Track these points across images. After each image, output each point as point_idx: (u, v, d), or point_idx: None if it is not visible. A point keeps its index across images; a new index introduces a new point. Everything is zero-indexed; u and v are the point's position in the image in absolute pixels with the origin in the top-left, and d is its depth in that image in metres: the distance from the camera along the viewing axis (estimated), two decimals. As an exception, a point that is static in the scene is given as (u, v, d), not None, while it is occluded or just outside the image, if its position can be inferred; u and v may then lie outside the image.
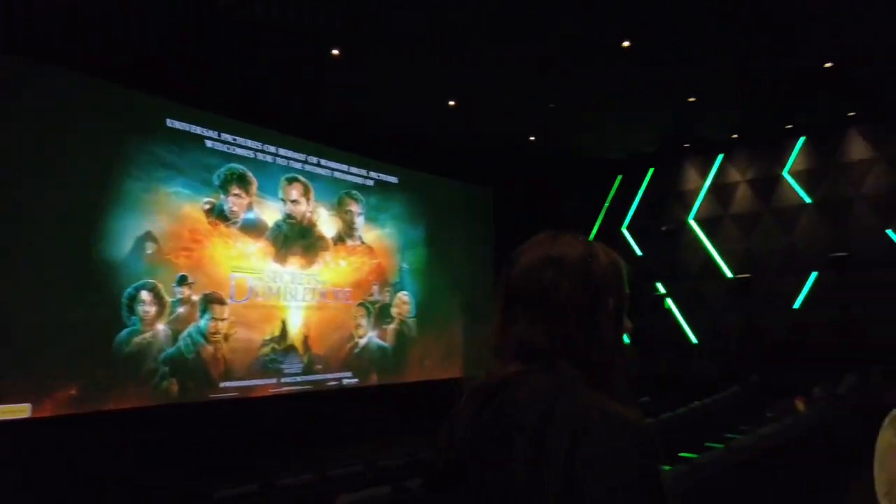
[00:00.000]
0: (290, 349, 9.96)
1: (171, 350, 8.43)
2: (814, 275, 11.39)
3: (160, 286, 8.39)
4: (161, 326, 8.37)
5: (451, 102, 10.23)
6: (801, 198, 11.70)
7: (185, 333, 8.62)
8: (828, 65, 9.01)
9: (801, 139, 11.77)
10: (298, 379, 10.01)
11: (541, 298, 0.81)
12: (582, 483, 0.64)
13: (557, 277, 0.81)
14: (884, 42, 8.31)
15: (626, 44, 8.31)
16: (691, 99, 10.29)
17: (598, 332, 0.80)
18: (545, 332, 0.80)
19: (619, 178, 14.24)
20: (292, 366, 9.94)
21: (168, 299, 8.47)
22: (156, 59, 8.28)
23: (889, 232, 10.71)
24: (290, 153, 10.39)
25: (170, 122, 8.82)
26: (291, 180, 10.36)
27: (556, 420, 0.69)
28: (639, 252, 13.72)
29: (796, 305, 11.54)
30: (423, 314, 12.42)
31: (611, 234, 14.16)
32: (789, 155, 11.91)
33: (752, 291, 12.02)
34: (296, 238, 10.28)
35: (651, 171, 13.76)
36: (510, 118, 11.09)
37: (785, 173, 11.93)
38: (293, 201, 10.33)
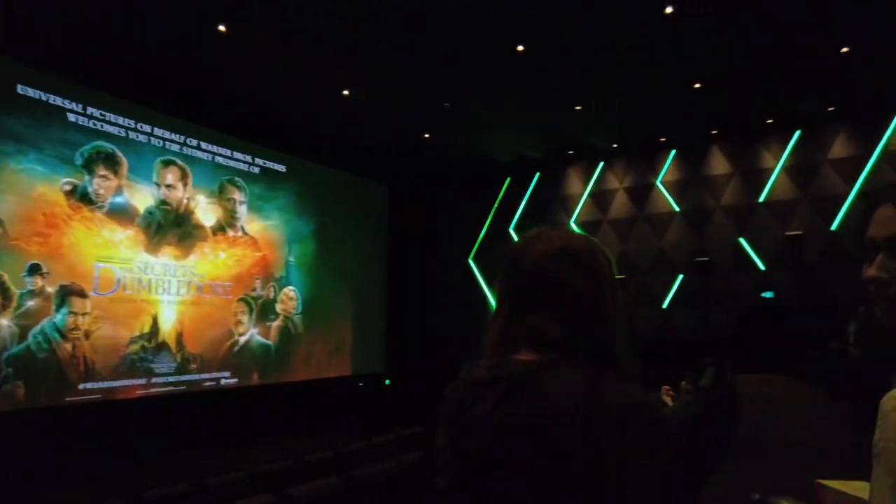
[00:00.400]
0: (162, 347, 9.17)
1: (17, 348, 7.42)
2: (680, 277, 12.44)
3: (5, 276, 7.36)
4: (5, 322, 7.35)
5: (346, 92, 9.96)
6: (671, 206, 12.73)
7: (36, 330, 7.63)
8: (697, 85, 9.86)
9: (673, 152, 12.80)
10: (171, 379, 9.25)
11: (555, 290, 0.83)
12: (631, 464, 0.70)
13: (572, 270, 0.83)
14: (745, 66, 9.23)
15: (520, 48, 8.54)
16: (577, 108, 10.81)
17: (606, 322, 0.83)
18: (559, 322, 0.81)
19: (509, 179, 14.67)
20: (164, 365, 9.16)
21: (15, 291, 7.45)
22: (9, 18, 7.24)
23: (741, 240, 11.95)
24: (166, 133, 9.56)
25: (21, 89, 7.76)
26: (167, 163, 9.55)
27: (600, 409, 0.73)
28: (525, 252, 14.23)
29: (665, 305, 12.53)
30: (310, 311, 11.99)
31: (499, 233, 14.56)
32: (662, 166, 12.91)
33: (626, 291, 12.90)
34: (170, 226, 9.48)
35: (538, 174, 14.31)
36: (406, 113, 11.02)
37: (658, 183, 12.92)
38: (168, 186, 9.52)
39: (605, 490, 0.71)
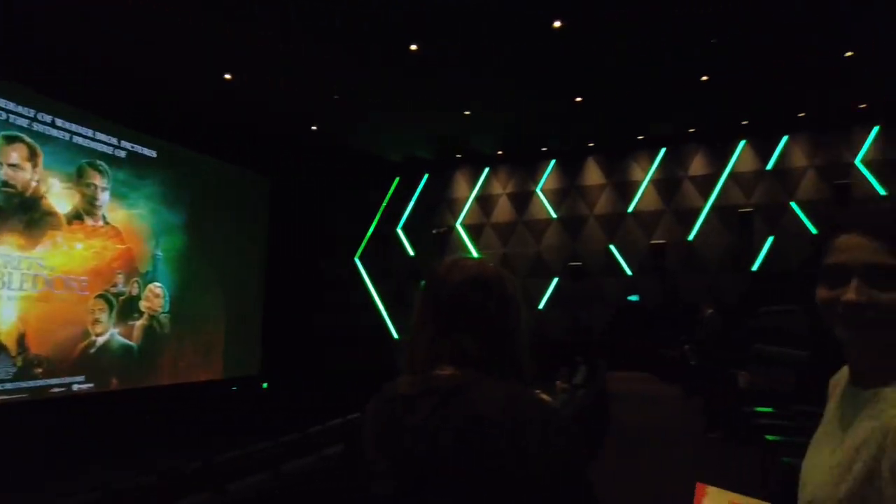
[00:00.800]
0: (-1, 349, 8.03)
1: None
2: (555, 280, 13.09)
3: None
4: None
5: (228, 76, 9.36)
6: (549, 213, 13.36)
7: None
8: (578, 99, 10.44)
9: (552, 162, 13.45)
10: (9, 386, 8.12)
11: (472, 313, 0.95)
12: (553, 462, 0.81)
13: (485, 296, 0.96)
14: (620, 84, 9.91)
15: (413, 47, 8.51)
16: (466, 112, 11.01)
17: (515, 339, 0.98)
18: (477, 341, 0.93)
19: (398, 179, 14.62)
20: (0, 369, 8.02)
21: None
22: None
23: (612, 247, 12.83)
24: (11, 105, 8.39)
25: None
26: (12, 140, 8.37)
27: (522, 416, 0.83)
28: (411, 252, 14.24)
29: (541, 306, 13.11)
30: (179, 309, 11.08)
31: (387, 233, 14.46)
32: (542, 174, 13.51)
33: (507, 293, 13.33)
34: (14, 212, 8.33)
35: (427, 176, 14.40)
36: (293, 103, 10.57)
37: (538, 190, 13.51)
38: (13, 166, 8.36)
39: (534, 487, 0.79)
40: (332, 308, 14.22)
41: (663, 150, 12.69)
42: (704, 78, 9.58)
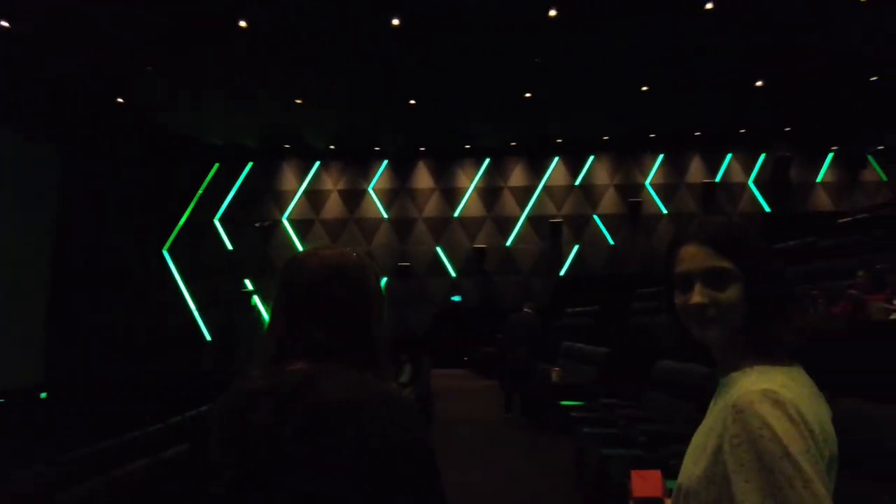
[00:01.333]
0: None
1: None
2: (384, 280, 13.11)
3: None
4: None
5: (5, 23, 7.83)
6: (380, 212, 13.36)
7: None
8: (412, 102, 10.57)
9: (385, 162, 13.48)
10: None
11: (328, 304, 0.90)
12: (400, 450, 0.79)
13: (340, 288, 0.91)
14: (451, 91, 10.23)
15: (242, 24, 7.91)
16: (298, 101, 10.53)
17: (371, 332, 0.93)
18: (332, 332, 0.89)
19: (217, 165, 13.52)
20: None
21: None
22: None
23: (438, 249, 13.21)
24: None
25: None
26: None
27: (370, 407, 0.81)
28: (229, 246, 13.25)
29: (367, 306, 13.03)
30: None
31: (202, 223, 13.28)
32: (374, 173, 13.47)
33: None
34: None
35: (250, 164, 13.53)
36: (94, 68, 9.18)
37: (370, 189, 13.44)
38: None
39: (380, 476, 0.78)
40: (133, 306, 12.64)
41: (487, 160, 13.41)
42: (527, 95, 10.30)
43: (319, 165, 13.51)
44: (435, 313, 12.93)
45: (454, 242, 13.21)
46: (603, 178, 13.32)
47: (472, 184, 13.40)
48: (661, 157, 13.29)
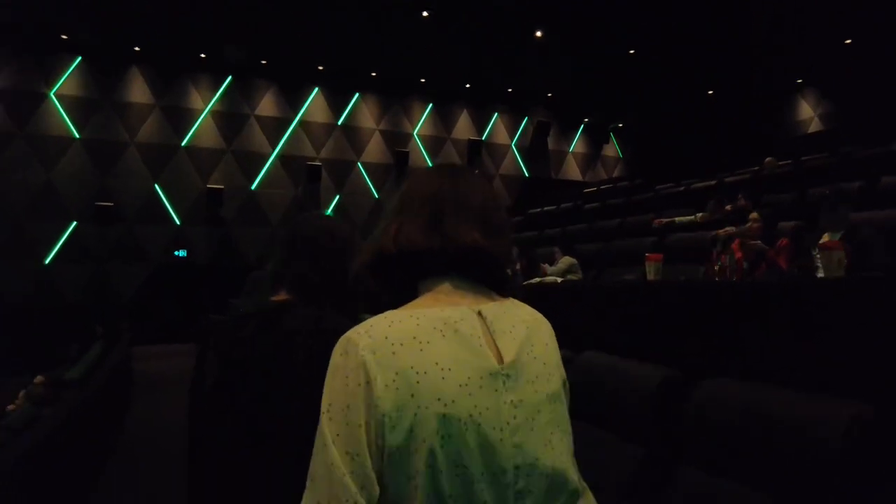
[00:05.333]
0: None
1: None
2: (73, 224, 9.57)
3: None
4: None
5: None
6: (68, 128, 9.63)
7: None
8: None
9: (78, 59, 9.73)
10: None
11: (314, 247, 1.16)
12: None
13: (331, 242, 1.17)
14: None
15: None
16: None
17: (345, 279, 1.15)
18: (315, 271, 1.14)
19: None
20: None
21: None
22: None
23: (157, 186, 10.14)
24: None
25: None
26: None
27: (321, 334, 0.98)
28: None
29: (48, 260, 9.42)
30: None
31: None
32: (63, 71, 9.63)
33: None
34: None
35: None
36: None
37: (52, 94, 9.57)
38: None
39: (313, 394, 0.77)
40: None
41: (230, 78, 10.67)
42: (288, -6, 8.02)
43: (-35, 52, 9.18)
44: (150, 272, 9.96)
45: (180, 180, 10.28)
46: (368, 120, 11.72)
47: (207, 106, 10.55)
48: (430, 106, 12.22)
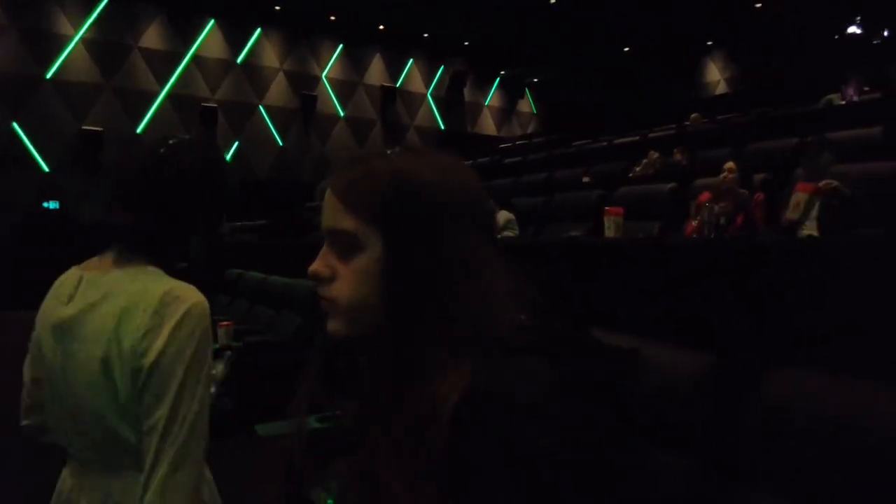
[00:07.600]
0: None
1: None
2: None
3: None
4: None
5: None
6: None
7: None
8: None
9: None
10: None
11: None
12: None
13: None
14: None
15: None
16: None
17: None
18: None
19: None
20: None
21: None
22: None
23: (16, 126, 8.66)
24: None
25: None
26: None
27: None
28: None
29: None
30: None
31: None
32: None
33: None
34: None
35: None
36: None
37: None
38: None
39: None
40: None
41: (105, 1, 9.20)
42: None
43: None
44: (14, 224, 8.56)
45: (47, 119, 8.84)
46: (272, 59, 10.67)
47: (78, 33, 9.06)
48: (340, 47, 11.32)
